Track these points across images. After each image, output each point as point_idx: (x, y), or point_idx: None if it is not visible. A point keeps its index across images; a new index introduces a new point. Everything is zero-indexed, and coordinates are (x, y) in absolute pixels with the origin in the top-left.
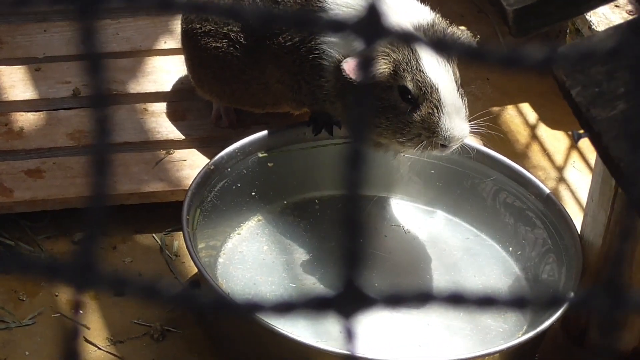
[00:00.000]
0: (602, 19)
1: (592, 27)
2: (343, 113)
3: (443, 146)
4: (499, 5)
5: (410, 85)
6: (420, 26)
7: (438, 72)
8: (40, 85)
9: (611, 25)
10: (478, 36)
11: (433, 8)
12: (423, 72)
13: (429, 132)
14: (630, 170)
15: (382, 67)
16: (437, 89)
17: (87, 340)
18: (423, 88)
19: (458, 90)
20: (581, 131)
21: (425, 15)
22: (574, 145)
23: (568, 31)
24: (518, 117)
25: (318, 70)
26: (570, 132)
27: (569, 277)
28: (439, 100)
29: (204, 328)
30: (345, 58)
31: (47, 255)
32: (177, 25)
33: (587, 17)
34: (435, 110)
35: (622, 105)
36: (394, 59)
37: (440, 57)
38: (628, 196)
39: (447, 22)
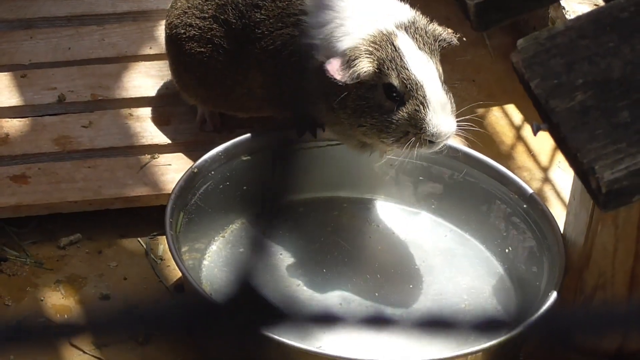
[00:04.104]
0: None
1: None
2: (326, 115)
3: (431, 142)
4: None
5: (396, 82)
6: (402, 24)
7: (423, 68)
8: (25, 92)
9: None
10: (464, 38)
11: (417, 9)
12: (408, 69)
13: (416, 129)
14: (587, 161)
15: (367, 65)
16: (422, 86)
17: (72, 344)
18: (408, 85)
19: (442, 85)
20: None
21: (406, 13)
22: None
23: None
24: (504, 118)
25: (300, 72)
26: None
27: (552, 276)
28: (424, 97)
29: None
30: (327, 59)
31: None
32: (161, 31)
33: (567, 16)
34: (422, 107)
35: (581, 96)
36: (378, 57)
37: (423, 53)
38: (585, 186)
39: (427, 19)
